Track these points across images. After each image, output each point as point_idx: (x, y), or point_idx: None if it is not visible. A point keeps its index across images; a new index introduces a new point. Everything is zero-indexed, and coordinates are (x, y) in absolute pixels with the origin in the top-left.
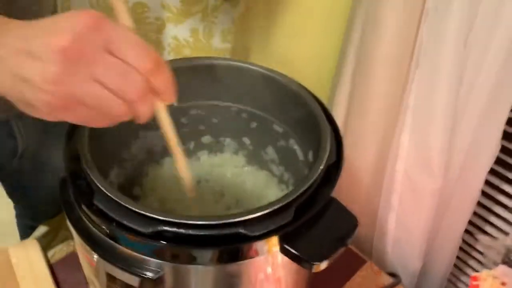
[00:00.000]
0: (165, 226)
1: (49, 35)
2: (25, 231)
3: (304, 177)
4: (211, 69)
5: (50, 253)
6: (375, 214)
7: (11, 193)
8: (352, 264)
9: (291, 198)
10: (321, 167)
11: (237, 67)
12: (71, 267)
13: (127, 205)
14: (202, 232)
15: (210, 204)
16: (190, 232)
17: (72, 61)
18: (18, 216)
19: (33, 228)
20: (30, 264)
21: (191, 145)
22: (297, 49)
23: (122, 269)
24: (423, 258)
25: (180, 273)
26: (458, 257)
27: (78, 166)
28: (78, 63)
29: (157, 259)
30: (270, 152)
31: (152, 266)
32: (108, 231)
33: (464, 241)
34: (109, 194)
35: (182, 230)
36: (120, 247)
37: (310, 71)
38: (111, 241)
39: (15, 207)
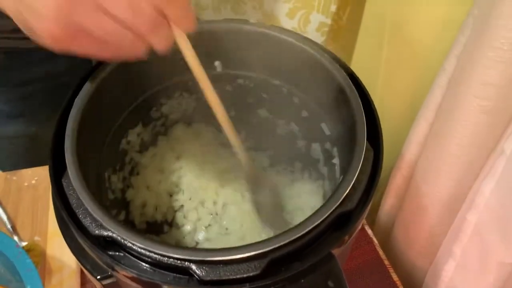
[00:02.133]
0: (111, 233)
1: None
2: None
3: (301, 223)
4: (266, 39)
5: None
6: (434, 255)
7: None
8: None
9: (266, 248)
10: (323, 217)
11: (294, 45)
12: None
13: (85, 200)
14: (146, 255)
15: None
16: (136, 250)
17: None
18: None
19: None
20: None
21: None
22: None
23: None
24: None
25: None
26: None
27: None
28: None
29: (103, 263)
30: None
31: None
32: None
33: None
34: (73, 183)
35: (127, 243)
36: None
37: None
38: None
39: None
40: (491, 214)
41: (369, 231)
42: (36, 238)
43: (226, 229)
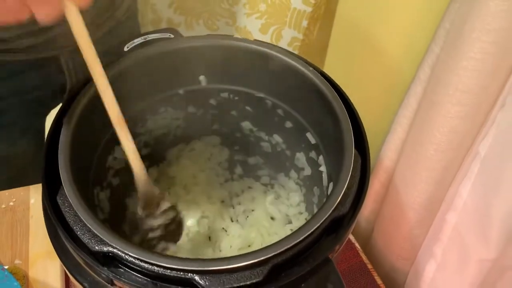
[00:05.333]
0: (112, 248)
1: None
2: None
3: (299, 228)
4: (250, 53)
5: None
6: (414, 256)
7: None
8: None
9: (268, 254)
10: (320, 223)
11: (278, 59)
12: None
13: (83, 216)
14: (148, 269)
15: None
16: (138, 264)
17: None
18: None
19: None
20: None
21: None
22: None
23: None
24: None
25: None
26: None
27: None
28: None
29: (102, 279)
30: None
31: (100, 286)
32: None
33: None
34: (70, 200)
35: (128, 257)
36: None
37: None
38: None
39: None
40: (469, 214)
41: (351, 237)
42: (17, 261)
43: (220, 251)
